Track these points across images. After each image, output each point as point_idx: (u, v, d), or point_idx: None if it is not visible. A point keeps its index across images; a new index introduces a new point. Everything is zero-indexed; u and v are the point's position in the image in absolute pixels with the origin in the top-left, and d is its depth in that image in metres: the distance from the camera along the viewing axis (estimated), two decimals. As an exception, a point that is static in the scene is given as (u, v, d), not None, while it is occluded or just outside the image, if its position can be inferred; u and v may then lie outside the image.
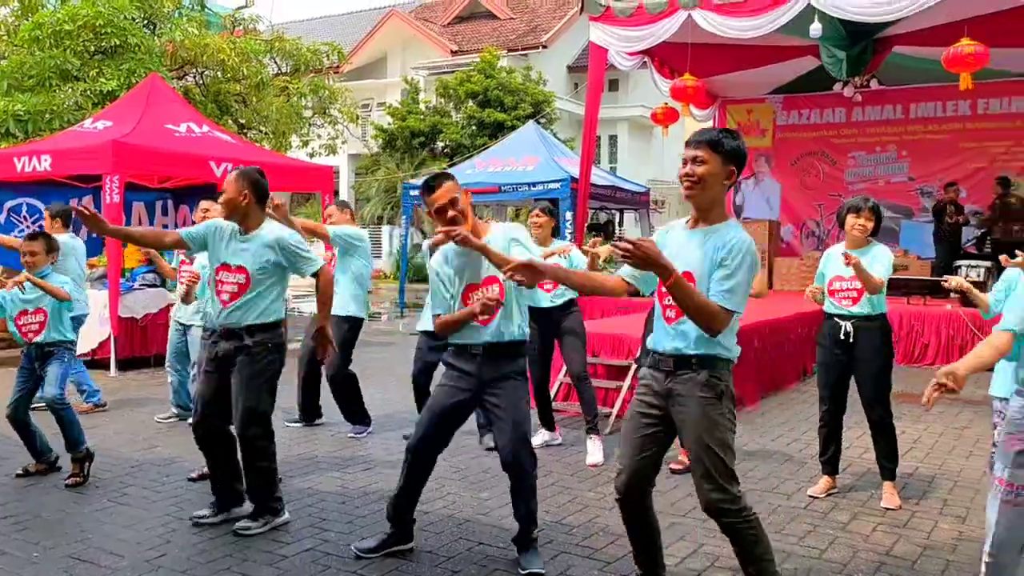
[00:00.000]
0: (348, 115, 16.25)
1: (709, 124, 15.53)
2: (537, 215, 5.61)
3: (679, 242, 2.99)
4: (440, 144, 23.59)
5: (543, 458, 5.43)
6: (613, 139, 32.53)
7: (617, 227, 20.81)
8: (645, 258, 2.70)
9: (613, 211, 16.06)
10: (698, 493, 2.93)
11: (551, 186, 11.64)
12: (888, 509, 4.46)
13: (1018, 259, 4.53)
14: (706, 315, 2.79)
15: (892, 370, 4.68)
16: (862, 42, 11.47)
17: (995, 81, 12.57)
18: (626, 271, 3.12)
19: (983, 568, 2.84)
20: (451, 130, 22.86)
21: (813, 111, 14.57)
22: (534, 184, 11.80)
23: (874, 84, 12.42)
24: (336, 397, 6.01)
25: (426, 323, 5.58)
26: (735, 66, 13.04)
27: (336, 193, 27.08)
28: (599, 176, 12.82)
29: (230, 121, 13.68)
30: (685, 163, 2.93)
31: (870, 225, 4.50)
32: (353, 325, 5.96)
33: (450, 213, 3.50)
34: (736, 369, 7.37)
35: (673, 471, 5.06)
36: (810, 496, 4.67)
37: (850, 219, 4.55)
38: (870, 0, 9.26)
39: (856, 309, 4.53)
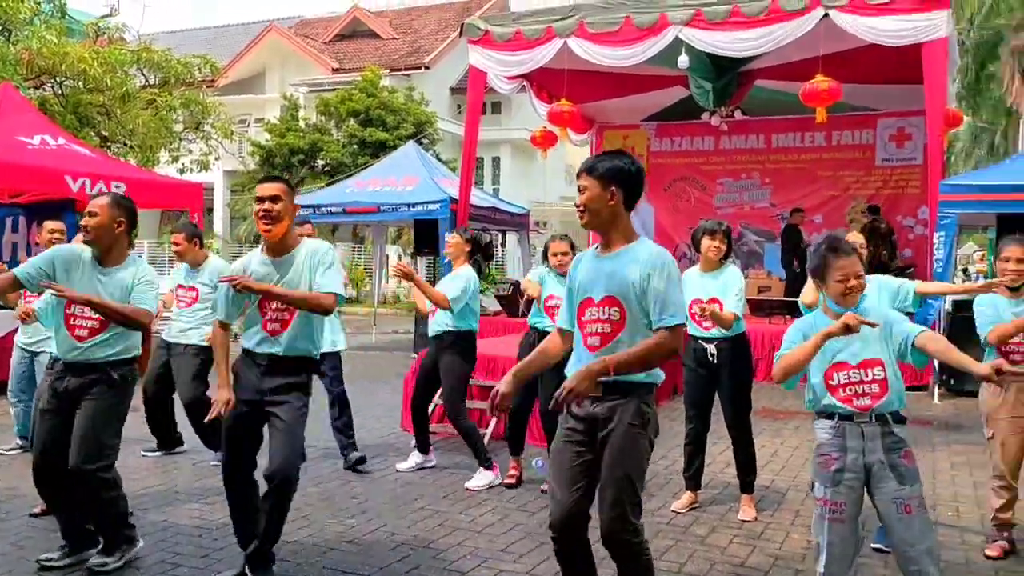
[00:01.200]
0: (222, 130, 15.74)
1: (586, 149, 15.95)
2: (453, 237, 5.62)
3: (592, 269, 2.99)
4: (321, 162, 23.18)
5: (414, 481, 5.39)
6: (496, 161, 32.89)
7: (499, 248, 20.99)
8: (585, 392, 2.77)
9: (494, 232, 16.18)
10: (600, 519, 2.86)
11: (431, 207, 11.62)
12: (745, 521, 4.65)
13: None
14: (655, 353, 2.81)
15: (752, 388, 4.90)
16: (727, 75, 12.07)
17: (847, 115, 13.46)
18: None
19: None
20: (332, 148, 22.51)
21: (684, 138, 15.16)
22: (413, 204, 11.74)
23: (738, 115, 13.05)
24: (193, 424, 5.76)
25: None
26: (610, 93, 13.45)
27: (209, 211, 26.16)
28: (479, 197, 12.90)
29: (92, 134, 13.00)
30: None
31: (723, 247, 4.72)
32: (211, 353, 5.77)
33: (265, 205, 3.51)
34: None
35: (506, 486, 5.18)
36: (673, 511, 4.81)
37: (706, 241, 4.76)
38: (731, 36, 9.79)
39: (716, 331, 4.72)
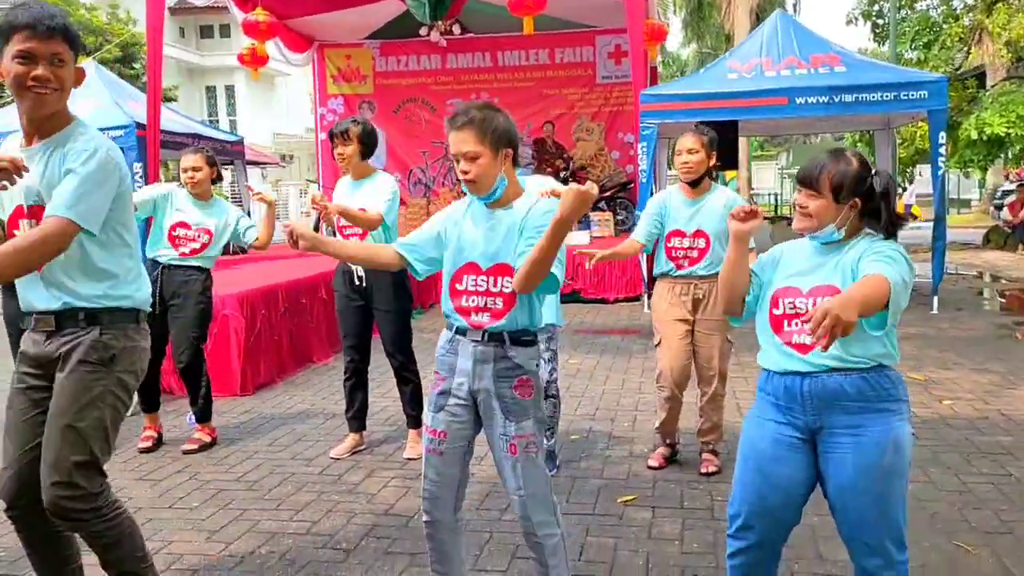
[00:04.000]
0: None
1: (308, 68, 14.79)
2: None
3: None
4: (8, 94, 19.98)
5: None
6: (230, 90, 30.52)
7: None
8: None
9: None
10: (42, 487, 2.24)
11: (113, 133, 10.04)
12: (410, 459, 4.18)
13: None
14: (42, 244, 2.12)
15: (411, 314, 4.39)
16: (440, -15, 11.44)
17: (567, 32, 13.41)
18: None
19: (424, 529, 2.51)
20: (19, 75, 19.42)
21: (410, 57, 14.43)
22: (92, 132, 10.11)
23: (457, 30, 12.53)
24: None
25: None
26: (322, 6, 12.40)
27: None
28: (174, 122, 11.43)
29: None
30: (35, 61, 2.16)
31: (348, 150, 4.09)
32: None
33: None
34: (301, 324, 6.79)
35: (185, 452, 4.38)
36: (332, 458, 4.24)
37: (335, 150, 4.14)
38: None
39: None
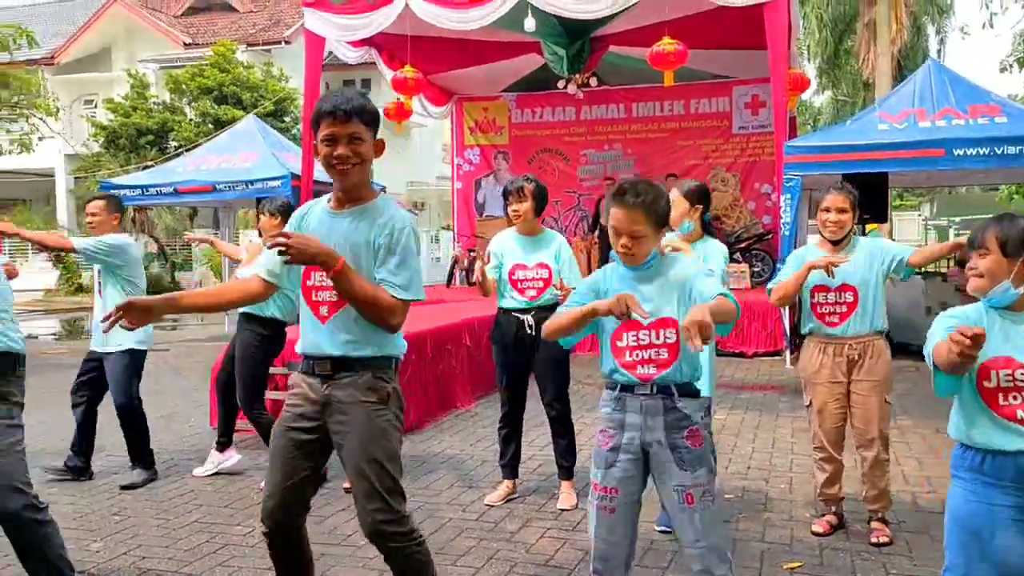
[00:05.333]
0: (44, 109, 14.27)
1: (446, 122, 15.35)
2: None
3: (323, 225, 2.56)
4: (174, 143, 21.69)
5: (201, 489, 4.70)
6: (369, 140, 31.84)
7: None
8: (302, 250, 2.34)
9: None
10: (360, 515, 2.52)
11: (271, 183, 10.75)
12: (564, 510, 4.20)
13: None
14: (379, 307, 2.44)
15: (569, 364, 4.44)
16: (579, 40, 11.71)
17: (703, 83, 13.39)
18: (262, 266, 2.68)
19: None
20: (184, 128, 21.03)
21: (545, 109, 14.77)
22: (252, 182, 10.83)
23: (594, 82, 12.71)
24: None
25: None
26: (464, 62, 12.90)
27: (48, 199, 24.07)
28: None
29: None
30: (336, 143, 2.43)
31: (523, 207, 4.25)
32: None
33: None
34: (447, 370, 6.97)
35: (347, 491, 4.54)
36: (487, 505, 4.31)
37: (510, 207, 4.30)
38: (574, -1, 9.39)
39: (537, 300, 4.25)
